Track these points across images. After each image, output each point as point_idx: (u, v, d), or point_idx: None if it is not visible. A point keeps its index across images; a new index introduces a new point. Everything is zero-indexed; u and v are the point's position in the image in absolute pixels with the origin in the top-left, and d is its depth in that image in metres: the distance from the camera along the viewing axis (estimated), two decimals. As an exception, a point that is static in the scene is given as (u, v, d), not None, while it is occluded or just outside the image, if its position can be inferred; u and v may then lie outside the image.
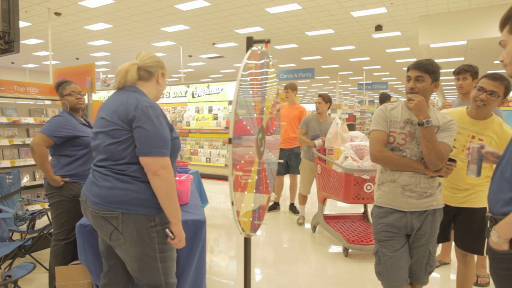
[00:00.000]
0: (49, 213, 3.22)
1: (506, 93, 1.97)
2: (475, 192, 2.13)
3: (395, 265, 1.85)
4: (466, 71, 2.76)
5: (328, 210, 4.71)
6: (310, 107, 15.15)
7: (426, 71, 1.76)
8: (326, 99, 4.29)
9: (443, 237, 2.25)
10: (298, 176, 4.93)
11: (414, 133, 1.82)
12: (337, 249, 3.66)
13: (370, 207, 3.81)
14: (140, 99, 1.55)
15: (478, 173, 1.57)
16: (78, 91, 2.66)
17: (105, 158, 1.56)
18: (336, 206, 5.35)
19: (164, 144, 1.52)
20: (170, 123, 1.64)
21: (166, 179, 1.49)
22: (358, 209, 4.60)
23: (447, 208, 2.10)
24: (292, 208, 5.03)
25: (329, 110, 4.39)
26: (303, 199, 4.55)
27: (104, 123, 1.57)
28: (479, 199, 2.13)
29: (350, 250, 3.46)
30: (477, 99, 1.99)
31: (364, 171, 3.23)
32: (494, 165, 1.97)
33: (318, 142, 3.90)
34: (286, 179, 5.16)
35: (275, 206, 5.12)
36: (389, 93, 6.22)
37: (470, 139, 2.06)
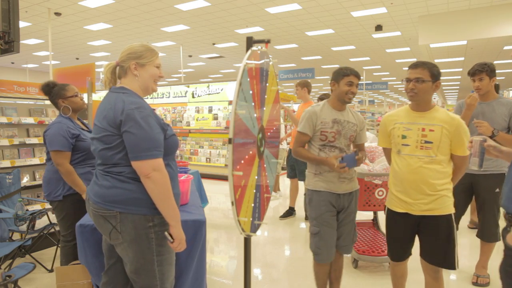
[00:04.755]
0: (49, 213, 3.22)
1: (434, 76, 1.91)
2: (438, 198, 1.92)
3: (331, 240, 2.25)
4: (481, 72, 2.64)
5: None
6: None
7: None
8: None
9: (407, 252, 2.11)
10: None
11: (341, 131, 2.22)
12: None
13: (380, 214, 3.72)
14: (126, 100, 1.50)
15: (480, 165, 1.65)
16: (78, 91, 2.61)
17: (101, 162, 1.57)
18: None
19: (154, 145, 1.48)
20: (163, 121, 1.59)
21: (158, 181, 1.46)
22: (365, 214, 4.24)
23: (408, 218, 1.99)
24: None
25: None
26: None
27: (96, 129, 1.56)
28: (444, 205, 1.93)
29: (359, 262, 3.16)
30: (407, 91, 1.96)
31: (375, 176, 3.02)
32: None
33: None
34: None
35: (291, 212, 4.80)
36: (388, 93, 6.16)
37: (421, 132, 1.93)
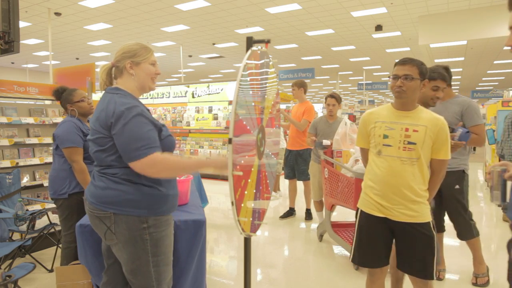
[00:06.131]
0: (49, 213, 3.22)
1: (422, 74, 1.83)
2: (418, 204, 1.83)
3: None
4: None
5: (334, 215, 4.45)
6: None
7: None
8: (339, 99, 3.99)
9: (381, 260, 1.93)
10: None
11: None
12: (337, 249, 3.66)
13: None
14: (118, 102, 1.50)
15: (503, 199, 1.43)
16: (86, 95, 2.64)
17: (97, 164, 1.59)
18: (344, 212, 5.31)
19: (146, 143, 1.45)
20: (158, 121, 1.58)
21: (161, 171, 1.46)
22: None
23: (386, 223, 1.87)
24: (307, 214, 4.69)
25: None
26: (318, 205, 4.12)
27: (91, 131, 1.57)
28: (423, 212, 1.84)
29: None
30: (394, 88, 1.85)
31: None
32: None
33: (325, 141, 3.62)
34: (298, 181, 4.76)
35: (291, 212, 4.77)
36: (388, 93, 6.13)
37: (404, 132, 1.82)
